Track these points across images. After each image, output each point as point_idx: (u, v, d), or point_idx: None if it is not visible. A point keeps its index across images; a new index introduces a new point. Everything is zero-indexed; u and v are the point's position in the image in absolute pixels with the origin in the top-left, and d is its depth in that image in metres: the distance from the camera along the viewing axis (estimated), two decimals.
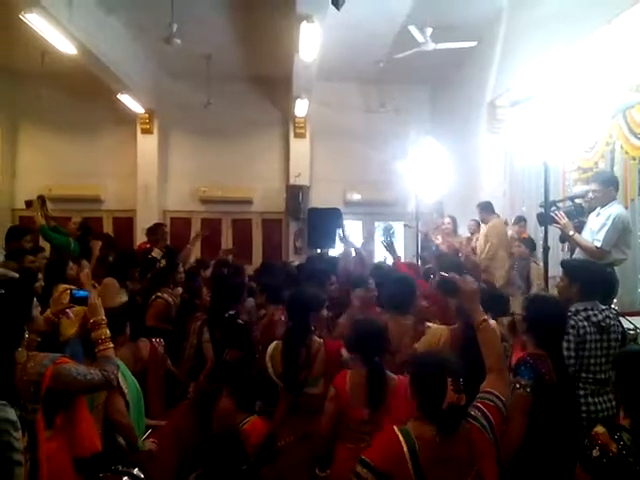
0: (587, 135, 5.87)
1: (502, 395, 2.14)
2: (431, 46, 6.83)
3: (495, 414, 2.05)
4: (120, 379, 2.65)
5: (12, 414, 1.89)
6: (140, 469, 2.72)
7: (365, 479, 1.85)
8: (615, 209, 4.37)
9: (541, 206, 5.77)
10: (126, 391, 2.79)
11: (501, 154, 7.82)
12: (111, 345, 2.48)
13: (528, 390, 2.41)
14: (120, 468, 2.73)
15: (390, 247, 5.24)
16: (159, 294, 4.70)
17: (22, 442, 1.94)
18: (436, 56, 7.23)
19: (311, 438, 2.85)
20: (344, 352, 2.95)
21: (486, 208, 6.48)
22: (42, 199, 5.82)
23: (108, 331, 2.51)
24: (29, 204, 5.79)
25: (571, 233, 4.48)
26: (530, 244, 6.03)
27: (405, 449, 1.85)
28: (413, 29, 6.71)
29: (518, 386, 2.43)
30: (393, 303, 3.45)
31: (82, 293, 2.64)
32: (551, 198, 4.81)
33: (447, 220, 6.85)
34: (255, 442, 2.92)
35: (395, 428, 1.93)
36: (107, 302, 3.15)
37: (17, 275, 3.48)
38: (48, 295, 3.89)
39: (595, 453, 1.91)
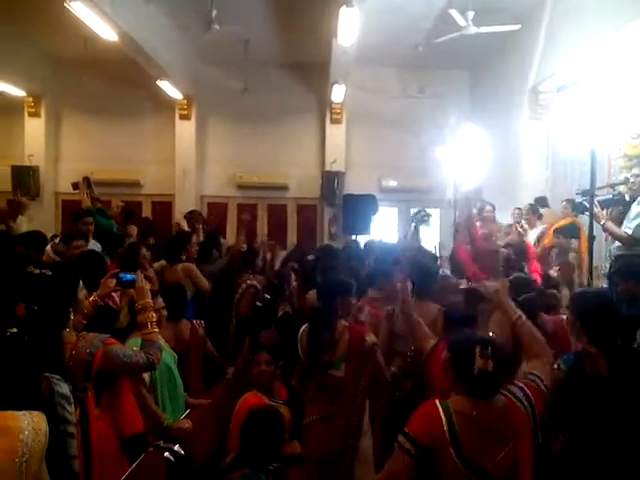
0: (634, 121, 5.67)
1: (545, 378, 2.18)
2: (473, 30, 6.65)
3: (537, 395, 2.09)
4: None
5: (66, 389, 1.98)
6: (180, 446, 2.81)
7: (407, 449, 1.99)
8: None
9: (578, 194, 5.65)
10: (147, 374, 2.84)
11: (543, 141, 7.61)
12: (156, 329, 2.54)
13: (562, 369, 2.39)
14: (161, 444, 2.81)
15: (415, 232, 5.19)
16: (249, 282, 4.63)
17: (75, 416, 2.02)
18: (477, 40, 7.03)
19: (333, 418, 2.96)
20: (368, 337, 3.08)
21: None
22: (88, 181, 5.93)
23: (154, 314, 2.56)
24: (75, 186, 5.92)
25: (602, 222, 4.43)
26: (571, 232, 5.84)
27: (444, 422, 1.97)
28: (454, 12, 6.55)
29: (555, 366, 2.41)
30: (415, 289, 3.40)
31: (129, 277, 2.66)
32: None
33: (489, 207, 6.72)
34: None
35: (437, 402, 2.04)
36: None
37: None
38: None
39: None
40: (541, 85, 7.41)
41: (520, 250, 4.77)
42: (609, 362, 2.35)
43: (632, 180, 4.55)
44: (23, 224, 6.19)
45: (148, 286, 2.60)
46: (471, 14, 6.60)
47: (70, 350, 2.12)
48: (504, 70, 8.57)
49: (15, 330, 1.98)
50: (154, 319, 2.52)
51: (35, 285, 2.22)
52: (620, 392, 2.13)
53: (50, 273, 2.29)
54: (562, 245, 5.27)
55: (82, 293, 2.43)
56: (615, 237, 4.44)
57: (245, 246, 5.24)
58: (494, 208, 6.68)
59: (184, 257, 4.83)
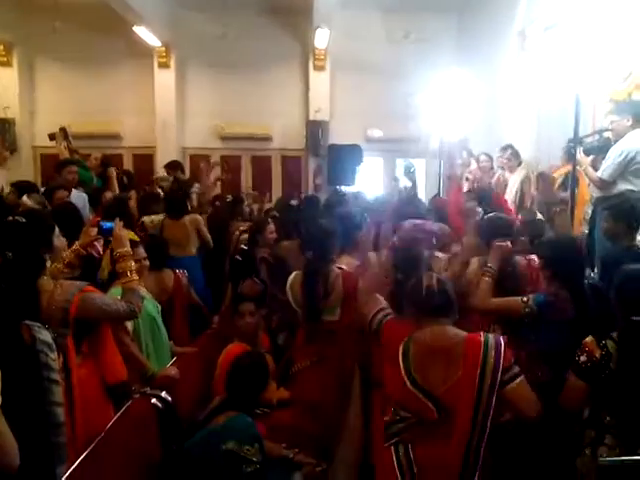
0: (621, 64, 5.58)
1: None
2: None
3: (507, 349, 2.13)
4: None
5: (47, 336, 1.97)
6: (167, 392, 2.84)
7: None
8: (624, 140, 4.31)
9: (570, 142, 5.64)
10: (129, 322, 2.85)
11: (531, 86, 7.50)
12: (136, 277, 2.53)
13: (529, 305, 2.60)
14: (148, 391, 2.84)
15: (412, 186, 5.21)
16: (242, 228, 4.78)
17: (58, 363, 2.02)
18: None
19: (326, 362, 3.00)
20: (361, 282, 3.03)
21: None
22: (64, 131, 5.80)
23: (133, 263, 2.54)
24: (52, 137, 5.79)
25: (583, 167, 4.56)
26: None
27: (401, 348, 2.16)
28: None
29: (525, 299, 2.63)
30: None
31: (109, 225, 2.65)
32: (581, 133, 4.68)
33: (483, 157, 6.64)
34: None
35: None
36: None
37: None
38: None
39: (582, 359, 2.16)
40: (528, 29, 7.25)
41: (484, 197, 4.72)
42: (576, 304, 2.47)
43: (612, 126, 4.57)
44: (1, 177, 6.06)
45: (126, 234, 2.56)
46: None
47: (47, 298, 2.10)
48: (491, 13, 8.33)
49: None
50: (133, 267, 2.50)
51: (8, 232, 2.17)
52: (585, 334, 2.24)
53: (24, 220, 2.24)
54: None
55: (59, 240, 2.39)
56: (592, 181, 4.55)
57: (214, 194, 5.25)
58: (490, 158, 6.62)
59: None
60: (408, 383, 2.10)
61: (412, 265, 2.73)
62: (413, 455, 2.12)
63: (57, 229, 2.38)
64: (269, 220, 4.71)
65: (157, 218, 4.87)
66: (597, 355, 2.13)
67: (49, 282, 2.18)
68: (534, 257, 2.96)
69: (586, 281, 2.70)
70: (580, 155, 4.58)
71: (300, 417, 3.06)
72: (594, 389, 2.15)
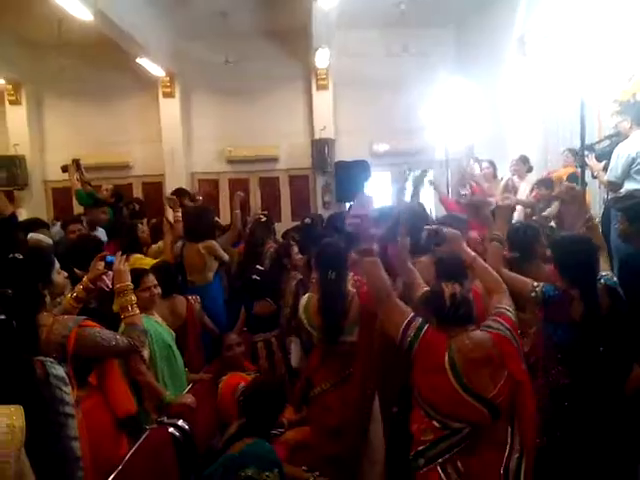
0: (625, 65, 5.56)
1: (509, 306, 2.32)
2: None
3: (508, 320, 2.25)
4: None
5: (61, 371, 1.97)
6: (184, 421, 2.82)
7: None
8: (626, 142, 4.42)
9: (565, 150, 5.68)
10: (146, 351, 2.84)
11: (534, 92, 7.49)
12: (137, 311, 2.51)
13: (537, 290, 2.61)
14: (165, 420, 2.83)
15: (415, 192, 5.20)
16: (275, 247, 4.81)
17: (72, 397, 2.02)
18: None
19: (347, 383, 2.94)
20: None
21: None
22: (77, 163, 5.89)
23: (134, 297, 2.53)
24: (65, 169, 5.88)
25: (595, 173, 4.69)
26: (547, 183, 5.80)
27: (446, 355, 2.14)
28: None
29: (534, 293, 2.63)
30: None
31: (113, 258, 2.67)
32: (588, 134, 4.71)
33: (485, 164, 6.61)
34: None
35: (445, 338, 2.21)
36: None
37: (50, 243, 3.56)
38: None
39: None
40: (527, 35, 7.26)
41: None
42: (586, 304, 2.44)
43: (618, 128, 4.65)
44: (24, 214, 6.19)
45: (127, 268, 2.56)
46: None
47: (45, 332, 2.10)
48: (490, 22, 8.36)
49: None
50: (134, 302, 2.50)
51: (7, 269, 2.18)
52: (595, 335, 2.21)
53: (21, 257, 2.25)
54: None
55: (59, 276, 2.39)
56: (604, 185, 4.72)
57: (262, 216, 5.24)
58: (492, 165, 6.61)
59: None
60: (460, 390, 2.10)
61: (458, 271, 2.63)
62: (464, 470, 2.10)
63: (57, 264, 2.38)
64: (291, 242, 4.72)
65: (162, 244, 4.85)
66: None
67: (48, 317, 2.18)
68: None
69: (602, 281, 2.65)
70: (592, 161, 4.66)
71: (321, 440, 3.02)
72: None
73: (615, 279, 2.70)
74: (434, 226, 2.83)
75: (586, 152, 4.77)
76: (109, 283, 2.66)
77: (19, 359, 1.88)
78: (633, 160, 4.32)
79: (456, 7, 8.53)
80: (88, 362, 2.27)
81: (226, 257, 4.61)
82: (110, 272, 2.65)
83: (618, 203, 4.19)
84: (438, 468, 2.11)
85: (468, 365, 2.12)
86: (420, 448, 2.18)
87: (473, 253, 2.61)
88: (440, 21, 9.27)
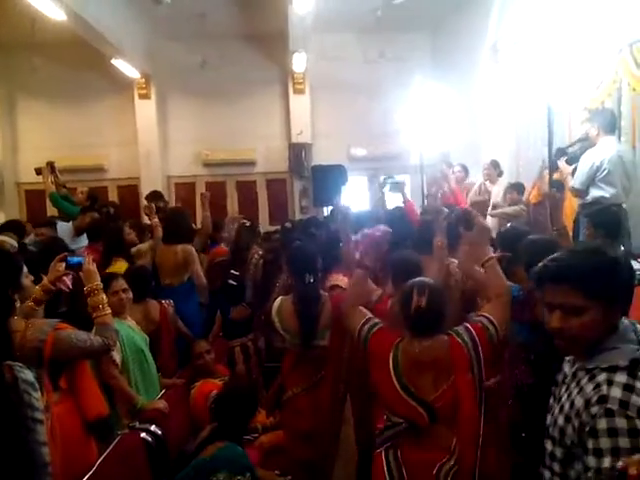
0: (593, 73, 5.70)
1: (496, 320, 2.26)
2: None
3: (481, 334, 2.22)
4: None
5: (30, 375, 1.94)
6: (156, 426, 2.82)
7: None
8: (593, 149, 4.51)
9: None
10: (118, 355, 2.83)
11: (506, 99, 7.64)
12: (109, 311, 2.50)
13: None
14: (137, 425, 2.82)
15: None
16: (260, 252, 4.73)
17: (42, 402, 2.00)
18: (435, 0, 6.98)
19: (318, 387, 2.97)
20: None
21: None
22: (51, 165, 5.80)
23: (105, 297, 2.52)
24: (38, 172, 5.79)
25: (564, 177, 4.76)
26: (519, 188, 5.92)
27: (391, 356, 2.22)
28: None
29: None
30: None
31: (76, 260, 2.64)
32: (557, 142, 4.83)
33: (457, 168, 6.72)
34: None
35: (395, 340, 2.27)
36: None
37: (15, 245, 3.51)
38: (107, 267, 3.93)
39: None
40: (499, 42, 7.40)
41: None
42: None
43: (587, 135, 4.74)
44: None
45: (95, 268, 2.55)
46: None
47: (19, 338, 2.08)
48: (464, 29, 8.50)
49: None
50: (105, 301, 2.48)
51: None
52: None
53: None
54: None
55: (27, 280, 2.37)
56: (569, 191, 4.78)
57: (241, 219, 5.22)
58: (463, 168, 6.71)
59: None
60: (399, 389, 2.17)
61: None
62: (402, 460, 2.19)
63: (25, 268, 2.36)
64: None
65: (144, 246, 4.81)
66: None
67: (20, 322, 2.16)
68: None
69: None
70: (563, 164, 4.76)
71: (294, 444, 3.04)
72: None
73: None
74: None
75: (561, 157, 4.88)
76: (69, 284, 2.62)
77: None
78: (598, 168, 4.39)
79: (432, 12, 8.65)
80: (59, 365, 2.24)
81: (203, 282, 4.50)
82: (71, 273, 2.62)
83: (585, 209, 4.32)
84: (382, 453, 2.24)
85: (410, 366, 2.19)
86: (377, 432, 2.35)
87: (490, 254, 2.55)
88: (416, 26, 9.39)
